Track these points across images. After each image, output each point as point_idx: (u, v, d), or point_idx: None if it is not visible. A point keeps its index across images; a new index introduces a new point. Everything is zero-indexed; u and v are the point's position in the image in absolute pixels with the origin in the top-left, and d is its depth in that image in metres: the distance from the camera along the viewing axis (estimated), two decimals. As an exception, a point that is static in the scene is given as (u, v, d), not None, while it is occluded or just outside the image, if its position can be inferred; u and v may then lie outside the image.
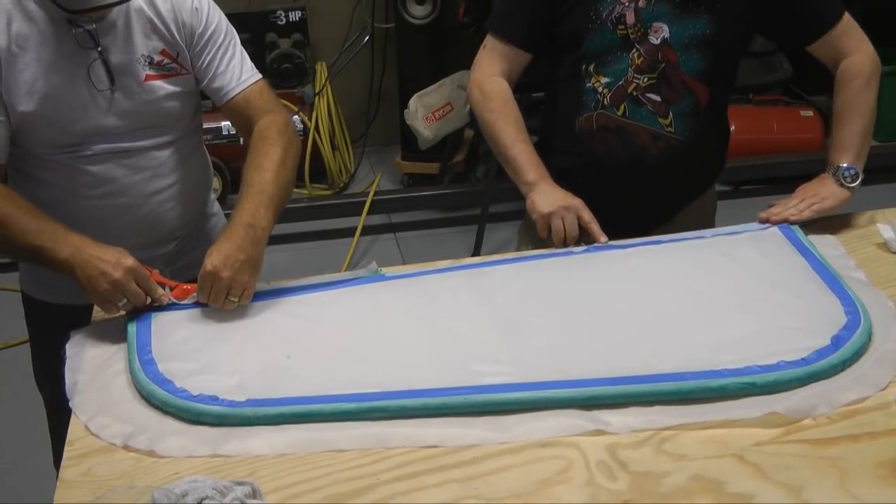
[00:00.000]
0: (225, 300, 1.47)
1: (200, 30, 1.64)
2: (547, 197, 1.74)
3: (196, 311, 1.50)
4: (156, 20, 1.61)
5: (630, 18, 1.73)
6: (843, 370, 1.31)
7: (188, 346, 1.43)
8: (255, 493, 1.13)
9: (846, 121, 1.79)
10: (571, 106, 1.83)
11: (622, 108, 1.78)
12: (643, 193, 1.84)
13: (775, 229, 1.70)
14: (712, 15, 1.73)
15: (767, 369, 1.29)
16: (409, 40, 4.04)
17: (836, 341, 1.34)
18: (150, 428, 1.28)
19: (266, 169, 1.58)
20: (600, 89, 1.78)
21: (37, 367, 1.85)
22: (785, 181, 4.20)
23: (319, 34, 4.34)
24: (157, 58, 1.61)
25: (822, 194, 1.75)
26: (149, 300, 1.48)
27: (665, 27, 1.73)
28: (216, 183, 3.95)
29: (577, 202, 1.73)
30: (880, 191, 3.91)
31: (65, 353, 1.44)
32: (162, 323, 1.48)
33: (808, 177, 1.82)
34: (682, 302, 1.49)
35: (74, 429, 1.29)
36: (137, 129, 1.62)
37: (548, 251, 1.72)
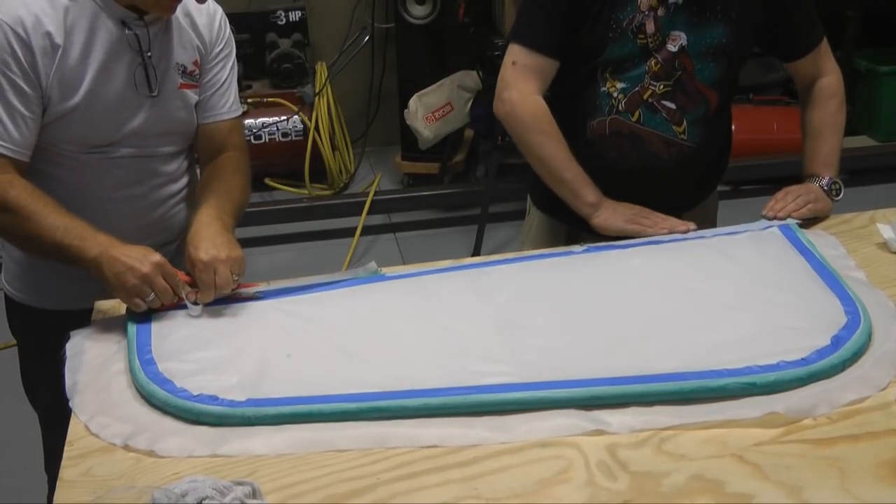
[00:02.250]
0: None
1: (219, 48, 1.70)
2: (617, 212, 1.78)
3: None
4: (191, 32, 1.65)
5: (650, 28, 1.74)
6: (843, 370, 1.31)
7: (188, 345, 1.43)
8: (255, 493, 1.13)
9: (826, 137, 1.88)
10: (584, 110, 1.82)
11: (637, 114, 1.79)
12: (651, 198, 1.84)
13: (775, 229, 1.70)
14: (728, 24, 1.75)
15: (767, 369, 1.29)
16: (409, 40, 4.05)
17: (836, 341, 1.34)
18: (150, 428, 1.27)
19: (232, 186, 1.66)
20: (615, 94, 1.78)
21: (25, 372, 1.84)
22: (785, 181, 4.21)
23: (319, 34, 4.34)
24: (190, 67, 1.66)
25: (813, 194, 1.79)
26: (175, 299, 1.49)
27: (683, 35, 1.74)
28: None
29: (641, 207, 1.78)
30: (880, 191, 3.92)
31: (65, 353, 1.44)
32: (162, 323, 1.48)
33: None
34: (681, 302, 1.49)
35: (74, 429, 1.29)
36: (163, 135, 1.65)
37: (548, 251, 1.72)
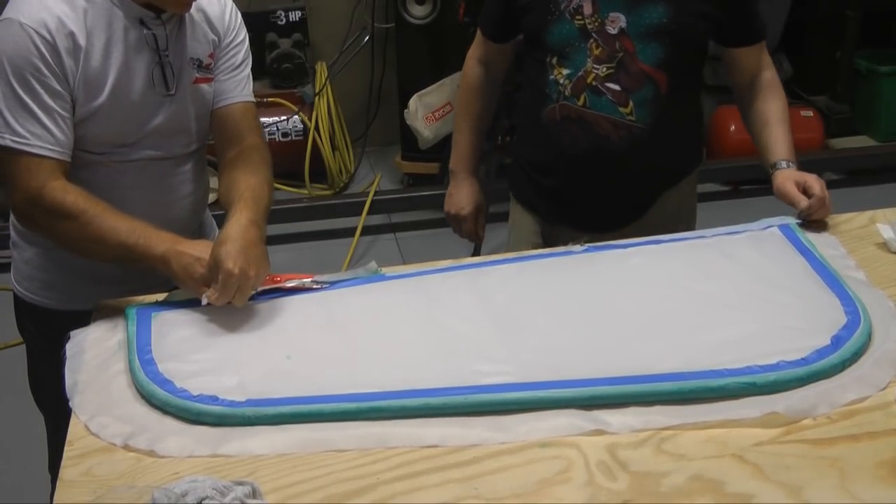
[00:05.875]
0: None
1: (231, 37, 1.71)
2: (452, 198, 2.11)
3: (196, 311, 1.50)
4: (204, 25, 1.66)
5: (587, 9, 1.77)
6: (843, 370, 1.31)
7: (188, 346, 1.43)
8: (255, 493, 1.13)
9: (788, 127, 1.88)
10: (538, 98, 1.88)
11: (582, 98, 1.82)
12: (610, 183, 1.88)
13: (775, 229, 1.70)
14: (668, 4, 1.76)
15: (767, 369, 1.29)
16: (409, 40, 4.04)
17: (836, 341, 1.34)
18: (150, 428, 1.28)
19: (261, 182, 1.64)
20: (562, 81, 1.83)
21: (33, 373, 1.84)
22: (785, 181, 4.22)
23: (319, 34, 4.34)
24: (205, 61, 1.66)
25: (821, 185, 1.75)
26: None
27: (622, 17, 1.77)
28: (216, 183, 3.94)
29: (467, 214, 2.08)
30: (880, 191, 3.92)
31: (65, 353, 1.44)
32: (162, 323, 1.48)
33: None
34: (681, 302, 1.49)
35: (74, 429, 1.29)
36: (180, 133, 1.66)
37: (548, 251, 1.72)
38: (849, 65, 4.30)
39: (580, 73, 1.80)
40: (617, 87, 1.80)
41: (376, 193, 3.93)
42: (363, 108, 4.41)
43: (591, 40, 1.78)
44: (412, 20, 3.93)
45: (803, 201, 1.72)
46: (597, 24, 1.77)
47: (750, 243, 1.66)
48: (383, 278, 1.63)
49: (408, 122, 3.83)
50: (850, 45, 4.26)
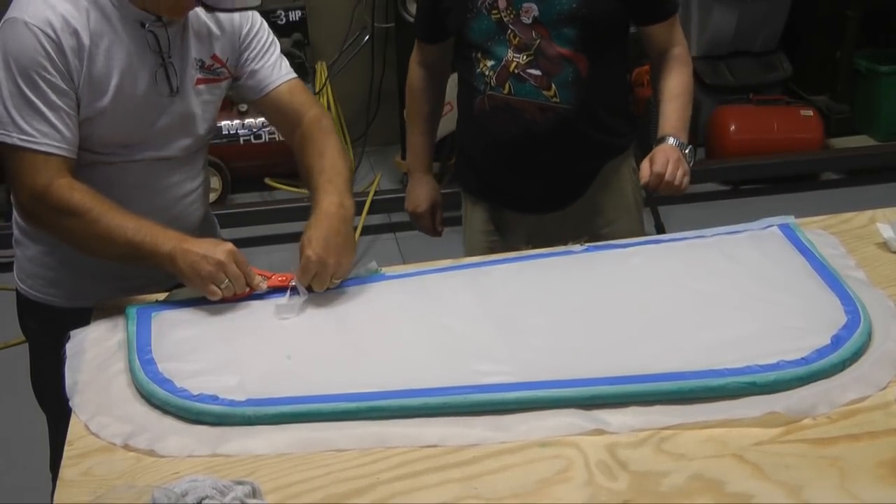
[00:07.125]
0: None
1: (248, 27, 1.71)
2: (410, 196, 2.18)
3: (197, 311, 1.51)
4: (211, 24, 1.65)
5: (502, 3, 1.86)
6: (843, 369, 1.31)
7: (188, 345, 1.43)
8: (255, 493, 1.13)
9: (683, 103, 1.95)
10: (469, 92, 1.97)
11: (507, 86, 1.90)
12: (546, 164, 1.96)
13: (775, 229, 1.70)
14: None
15: (767, 368, 1.29)
16: (409, 40, 4.03)
17: (836, 341, 1.34)
18: (150, 427, 1.28)
19: (332, 156, 1.69)
20: (487, 72, 1.91)
21: (35, 371, 1.84)
22: (785, 181, 4.22)
23: (319, 34, 4.34)
24: (207, 62, 1.66)
25: (684, 165, 1.84)
26: (247, 288, 1.53)
27: (534, 6, 1.84)
28: (216, 183, 3.96)
29: (423, 211, 2.16)
30: (880, 191, 3.92)
31: (65, 353, 1.44)
32: (162, 323, 1.48)
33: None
34: (682, 301, 1.49)
35: (74, 428, 1.29)
36: (184, 134, 1.66)
37: (547, 251, 1.72)
38: (849, 65, 4.29)
39: (503, 63, 1.89)
40: (538, 73, 1.87)
41: (376, 193, 3.93)
42: (363, 108, 4.41)
43: (509, 31, 1.87)
44: (412, 20, 3.93)
45: (644, 176, 1.81)
46: (512, 15, 1.85)
47: (750, 243, 1.66)
48: (383, 278, 1.63)
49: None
50: (850, 45, 4.26)
